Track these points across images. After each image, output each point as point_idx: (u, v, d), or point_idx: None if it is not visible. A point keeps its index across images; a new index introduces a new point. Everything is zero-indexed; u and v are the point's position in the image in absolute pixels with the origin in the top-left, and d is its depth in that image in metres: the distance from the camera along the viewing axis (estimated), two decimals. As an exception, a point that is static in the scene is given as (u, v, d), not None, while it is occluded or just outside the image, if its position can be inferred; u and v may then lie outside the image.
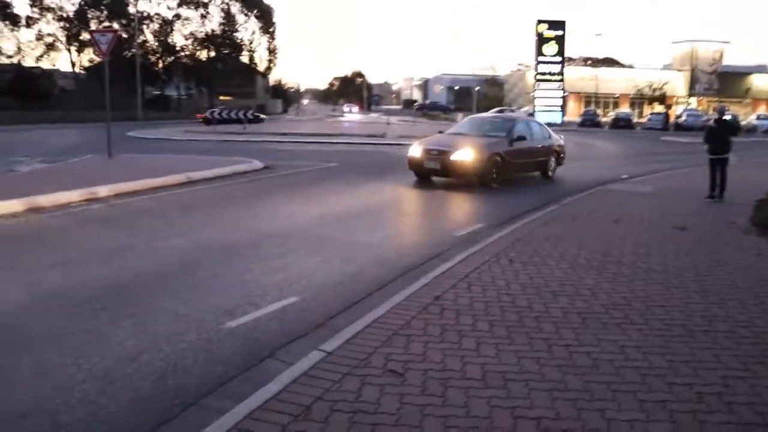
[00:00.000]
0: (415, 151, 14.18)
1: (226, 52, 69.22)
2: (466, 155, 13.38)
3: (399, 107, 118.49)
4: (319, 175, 15.71)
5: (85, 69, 66.53)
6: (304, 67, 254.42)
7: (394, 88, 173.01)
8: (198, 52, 69.02)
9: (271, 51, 73.16)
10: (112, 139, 17.61)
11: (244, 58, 72.05)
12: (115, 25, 61.22)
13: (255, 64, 73.02)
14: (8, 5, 63.20)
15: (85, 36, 61.56)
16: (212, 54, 69.01)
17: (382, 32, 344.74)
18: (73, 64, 66.35)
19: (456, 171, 13.52)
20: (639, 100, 72.83)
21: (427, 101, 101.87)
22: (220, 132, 33.44)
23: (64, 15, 63.89)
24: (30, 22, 64.13)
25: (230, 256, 7.45)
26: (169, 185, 12.97)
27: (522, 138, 14.62)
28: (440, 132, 16.47)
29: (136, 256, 7.52)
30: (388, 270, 6.87)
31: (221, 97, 69.78)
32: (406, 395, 3.74)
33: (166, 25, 66.46)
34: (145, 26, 64.71)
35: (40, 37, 64.95)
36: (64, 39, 64.60)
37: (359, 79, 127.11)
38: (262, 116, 46.82)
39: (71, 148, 23.45)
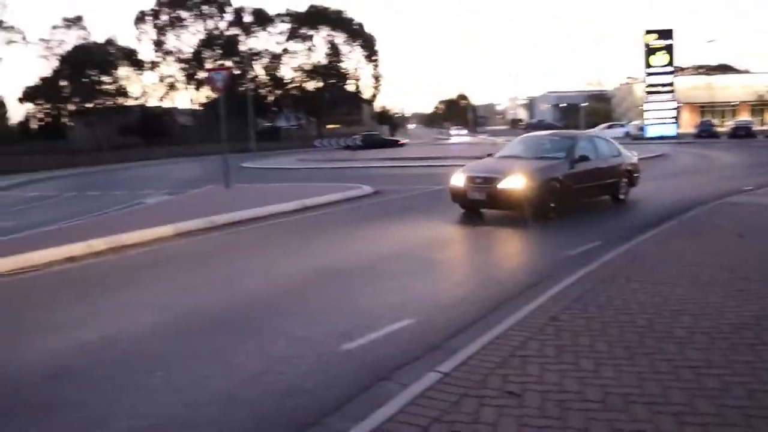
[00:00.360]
0: (458, 180, 12.15)
1: (332, 81, 71.42)
2: (515, 183, 11.28)
3: (505, 127, 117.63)
4: (428, 198, 15.83)
5: (202, 105, 70.49)
6: (408, 93, 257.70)
7: (499, 108, 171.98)
8: (305, 83, 71.62)
9: (376, 78, 74.92)
10: (231, 169, 18.55)
11: (350, 87, 74.09)
12: (229, 63, 64.63)
13: (360, 92, 74.90)
14: (135, 52, 68.21)
15: (201, 75, 65.36)
16: (319, 84, 71.38)
17: (484, 54, 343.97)
18: (191, 102, 70.40)
19: (504, 202, 11.47)
20: (760, 106, 68.58)
21: (534, 120, 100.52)
22: (330, 159, 34.45)
23: (183, 57, 68.10)
24: (153, 65, 68.81)
25: (344, 279, 7.65)
26: (285, 212, 13.49)
27: (585, 158, 12.38)
28: (489, 155, 14.02)
29: (254, 279, 7.87)
30: (499, 291, 6.81)
31: (329, 126, 71.96)
32: (524, 417, 3.69)
33: (275, 60, 69.50)
34: (255, 62, 67.90)
35: (161, 79, 69.58)
36: (183, 79, 68.78)
37: (463, 102, 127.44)
38: (401, 140, 47.69)
39: (192, 180, 24.90)
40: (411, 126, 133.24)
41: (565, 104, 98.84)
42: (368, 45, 72.21)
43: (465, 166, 12.96)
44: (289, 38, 68.30)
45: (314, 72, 70.07)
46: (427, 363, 4.74)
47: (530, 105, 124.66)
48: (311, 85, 70.99)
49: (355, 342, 5.39)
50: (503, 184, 11.24)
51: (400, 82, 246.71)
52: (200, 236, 11.15)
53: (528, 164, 11.94)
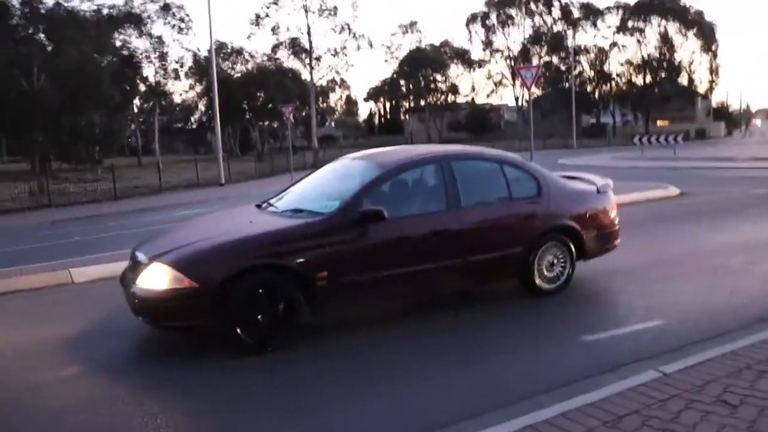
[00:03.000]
0: None
1: (663, 75, 67.01)
2: (151, 281, 5.53)
3: None
4: (742, 203, 14.40)
5: (527, 102, 71.76)
6: (753, 86, 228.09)
7: None
8: (633, 78, 68.42)
9: (713, 71, 68.24)
10: (545, 166, 18.85)
11: (682, 81, 68.69)
12: (555, 59, 64.87)
13: (695, 86, 68.98)
14: (466, 52, 72.31)
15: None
16: (647, 79, 67.57)
17: None
18: (517, 99, 72.11)
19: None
20: None
21: None
22: (650, 158, 32.75)
23: (510, 54, 70.04)
24: (482, 64, 72.10)
25: (611, 277, 7.63)
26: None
27: (395, 211, 5.86)
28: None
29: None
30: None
31: (658, 123, 67.78)
32: (727, 426, 3.58)
33: (602, 54, 67.59)
34: (582, 57, 66.88)
35: (489, 77, 72.54)
36: (509, 76, 70.79)
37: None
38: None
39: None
40: (757, 122, 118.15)
41: None
42: (706, 34, 66.05)
43: None
44: (617, 31, 65.90)
45: (643, 65, 66.56)
46: (657, 363, 4.72)
47: None
48: (639, 80, 67.58)
49: (594, 335, 5.53)
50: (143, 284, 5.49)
51: (744, 75, 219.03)
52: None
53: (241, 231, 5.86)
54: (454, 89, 75.48)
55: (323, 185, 6.82)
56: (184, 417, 4.46)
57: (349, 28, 57.92)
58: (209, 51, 32.43)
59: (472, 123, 74.69)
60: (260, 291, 5.35)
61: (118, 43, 47.17)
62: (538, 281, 6.65)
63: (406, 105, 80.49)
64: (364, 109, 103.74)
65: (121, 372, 5.31)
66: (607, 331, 5.62)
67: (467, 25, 73.83)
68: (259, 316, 5.34)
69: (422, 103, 76.20)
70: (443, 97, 75.70)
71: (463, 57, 73.43)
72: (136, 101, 60.96)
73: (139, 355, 5.86)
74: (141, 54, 53.95)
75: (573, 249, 6.84)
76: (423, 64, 71.04)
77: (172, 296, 5.27)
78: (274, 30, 58.99)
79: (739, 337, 5.14)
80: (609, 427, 3.65)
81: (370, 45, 64.48)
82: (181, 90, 78.52)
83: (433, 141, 70.55)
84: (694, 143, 53.93)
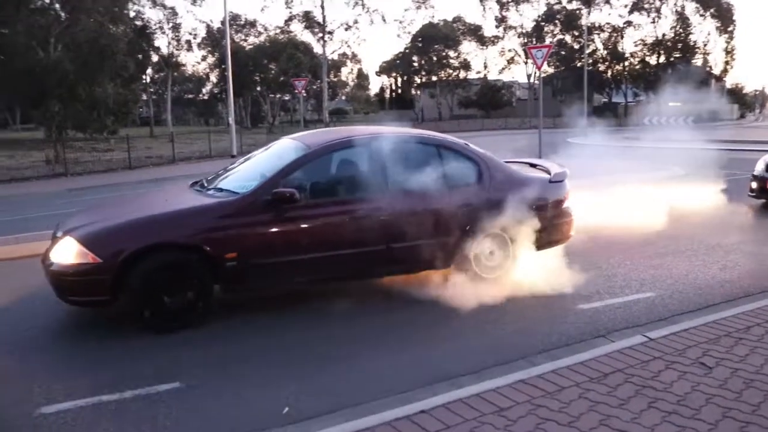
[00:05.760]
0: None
1: (677, 56, 66.57)
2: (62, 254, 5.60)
3: None
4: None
5: (539, 79, 71.39)
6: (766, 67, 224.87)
7: None
8: (647, 58, 67.97)
9: (728, 52, 67.74)
10: (553, 144, 19.61)
11: (697, 62, 68.23)
12: (568, 38, 64.49)
13: (709, 67, 68.52)
14: (479, 28, 71.94)
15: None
16: (662, 59, 67.17)
17: None
18: (529, 76, 71.84)
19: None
20: None
21: None
22: (661, 138, 32.83)
23: (523, 31, 69.66)
24: (495, 41, 71.77)
25: (612, 250, 7.98)
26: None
27: (308, 192, 5.89)
28: None
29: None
30: (764, 281, 6.59)
31: (670, 103, 67.44)
32: (701, 384, 3.98)
33: (616, 33, 67.13)
34: (595, 36, 66.49)
35: (501, 53, 72.25)
36: (522, 53, 70.48)
37: None
38: None
39: (513, 151, 26.06)
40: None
41: None
42: (723, 14, 65.45)
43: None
44: (633, 10, 65.38)
45: (657, 45, 66.11)
46: (645, 330, 5.11)
47: None
48: (653, 60, 67.15)
49: (590, 304, 5.92)
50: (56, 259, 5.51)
51: (761, 58, 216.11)
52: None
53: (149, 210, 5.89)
54: (465, 65, 75.18)
55: (258, 165, 6.50)
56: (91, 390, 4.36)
57: (362, 3, 57.73)
58: (223, 23, 32.60)
59: (483, 100, 74.51)
60: (165, 270, 5.29)
61: (132, 14, 47.34)
62: (476, 270, 6.39)
63: (418, 80, 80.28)
64: (375, 84, 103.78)
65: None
66: (601, 301, 6.00)
67: (481, 0, 73.37)
68: (165, 296, 5.29)
69: (434, 78, 76.03)
70: (455, 73, 75.47)
71: (476, 33, 73.07)
72: (149, 72, 61.27)
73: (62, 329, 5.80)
74: (154, 25, 54.23)
75: (510, 240, 6.51)
76: (435, 40, 70.81)
77: (76, 271, 5.28)
78: (288, 3, 58.95)
79: (723, 308, 5.53)
80: (595, 382, 4.06)
81: (383, 20, 64.42)
82: (193, 61, 78.64)
83: (444, 117, 70.58)
84: (704, 125, 53.72)
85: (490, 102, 73.91)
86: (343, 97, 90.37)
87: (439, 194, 6.20)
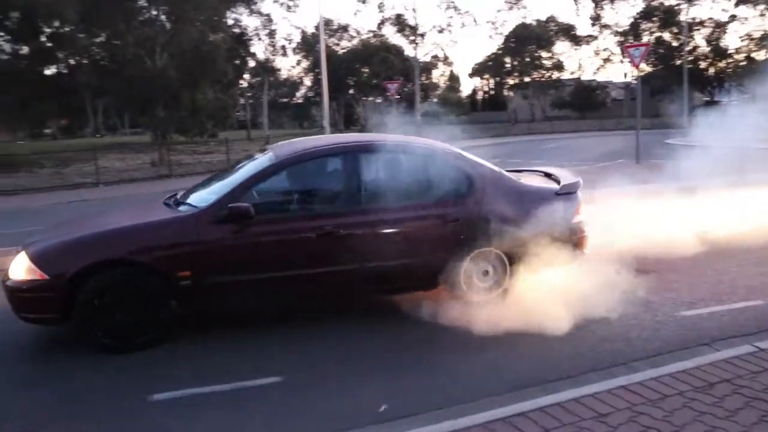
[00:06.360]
0: None
1: (790, 50, 62.65)
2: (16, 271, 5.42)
3: None
4: None
5: (636, 79, 68.96)
6: None
7: None
8: (754, 54, 64.30)
9: None
10: (650, 145, 18.96)
11: (812, 56, 63.98)
12: (666, 35, 61.98)
13: (826, 61, 64.08)
14: (573, 28, 70.31)
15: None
16: (770, 54, 63.38)
17: None
18: (625, 75, 69.54)
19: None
20: None
21: None
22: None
23: (619, 30, 67.46)
24: (589, 40, 69.91)
25: (718, 257, 7.64)
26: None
27: (276, 207, 5.87)
28: None
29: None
30: None
31: (781, 101, 63.62)
32: (818, 396, 3.78)
33: (719, 28, 63.90)
34: (696, 32, 63.58)
35: (597, 53, 70.26)
36: (618, 52, 68.27)
37: None
38: None
39: (608, 154, 25.45)
40: None
41: None
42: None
43: None
44: (738, 3, 61.91)
45: (766, 39, 62.39)
46: (755, 339, 4.88)
47: None
48: (761, 55, 63.42)
49: (694, 311, 5.72)
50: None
51: None
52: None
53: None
54: (558, 66, 73.59)
55: (233, 177, 5.94)
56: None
57: (454, 6, 57.58)
58: (317, 28, 33.38)
59: (576, 100, 72.61)
60: (116, 288, 5.09)
61: (230, 22, 49.10)
62: (466, 291, 5.79)
63: (510, 82, 79.17)
64: (467, 86, 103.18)
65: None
66: (706, 308, 5.77)
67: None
68: (117, 315, 5.07)
69: (526, 79, 74.77)
70: (548, 73, 73.98)
71: (569, 32, 71.35)
72: (246, 77, 63.30)
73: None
74: (251, 32, 55.96)
75: (507, 258, 5.88)
76: (528, 40, 69.64)
77: (26, 287, 5.12)
78: (380, 7, 59.56)
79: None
80: (700, 392, 3.93)
81: (475, 21, 63.69)
82: (288, 66, 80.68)
83: (537, 118, 69.28)
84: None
85: (584, 102, 71.96)
86: (435, 100, 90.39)
87: (421, 208, 5.76)
